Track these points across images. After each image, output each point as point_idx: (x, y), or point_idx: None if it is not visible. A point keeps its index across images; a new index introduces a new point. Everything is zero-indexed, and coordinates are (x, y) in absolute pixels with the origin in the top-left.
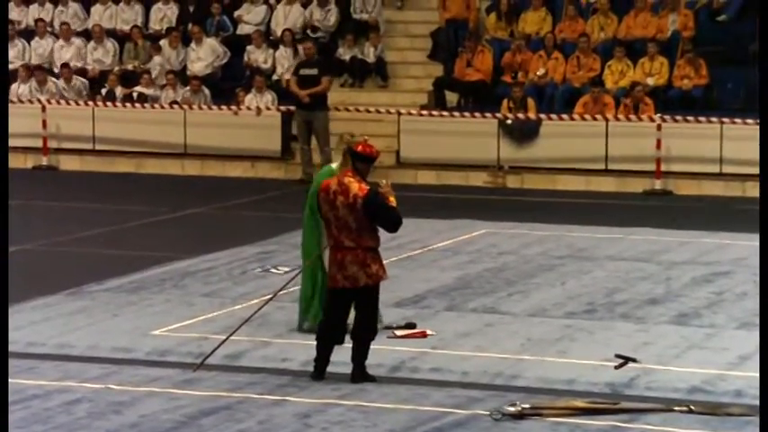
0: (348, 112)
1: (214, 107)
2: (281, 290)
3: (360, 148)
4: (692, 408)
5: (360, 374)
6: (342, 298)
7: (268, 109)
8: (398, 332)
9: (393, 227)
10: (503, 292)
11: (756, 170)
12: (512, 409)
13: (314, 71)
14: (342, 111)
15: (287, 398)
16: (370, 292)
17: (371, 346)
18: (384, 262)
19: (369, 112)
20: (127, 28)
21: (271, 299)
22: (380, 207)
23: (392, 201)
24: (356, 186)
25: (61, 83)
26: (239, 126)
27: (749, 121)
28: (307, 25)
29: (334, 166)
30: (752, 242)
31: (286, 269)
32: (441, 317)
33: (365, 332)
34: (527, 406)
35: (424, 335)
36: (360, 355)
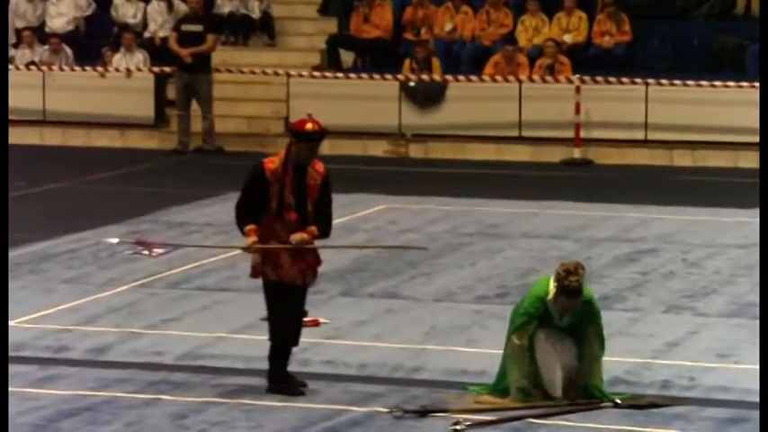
0: (231, 73)
1: (77, 68)
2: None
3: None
4: (617, 401)
5: (273, 379)
6: None
7: (139, 70)
8: None
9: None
10: (405, 275)
11: (685, 137)
12: (458, 427)
13: (198, 27)
14: (224, 72)
15: (160, 396)
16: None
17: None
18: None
19: (254, 73)
20: None
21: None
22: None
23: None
24: None
25: None
26: (106, 90)
27: (676, 82)
28: None
29: (550, 279)
30: (679, 216)
31: (160, 251)
32: (335, 303)
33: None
34: (469, 423)
35: (316, 323)
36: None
